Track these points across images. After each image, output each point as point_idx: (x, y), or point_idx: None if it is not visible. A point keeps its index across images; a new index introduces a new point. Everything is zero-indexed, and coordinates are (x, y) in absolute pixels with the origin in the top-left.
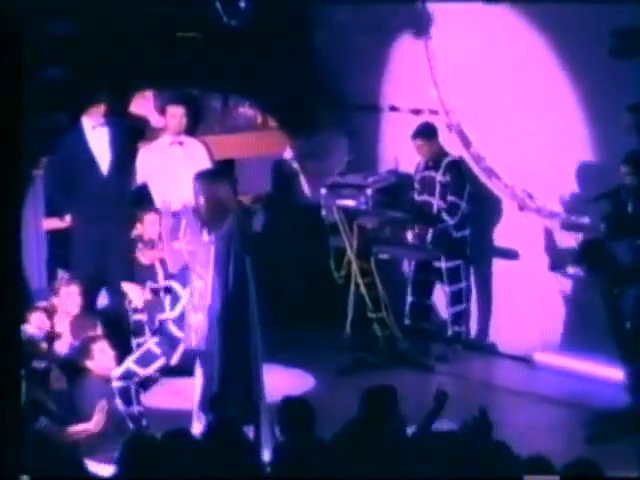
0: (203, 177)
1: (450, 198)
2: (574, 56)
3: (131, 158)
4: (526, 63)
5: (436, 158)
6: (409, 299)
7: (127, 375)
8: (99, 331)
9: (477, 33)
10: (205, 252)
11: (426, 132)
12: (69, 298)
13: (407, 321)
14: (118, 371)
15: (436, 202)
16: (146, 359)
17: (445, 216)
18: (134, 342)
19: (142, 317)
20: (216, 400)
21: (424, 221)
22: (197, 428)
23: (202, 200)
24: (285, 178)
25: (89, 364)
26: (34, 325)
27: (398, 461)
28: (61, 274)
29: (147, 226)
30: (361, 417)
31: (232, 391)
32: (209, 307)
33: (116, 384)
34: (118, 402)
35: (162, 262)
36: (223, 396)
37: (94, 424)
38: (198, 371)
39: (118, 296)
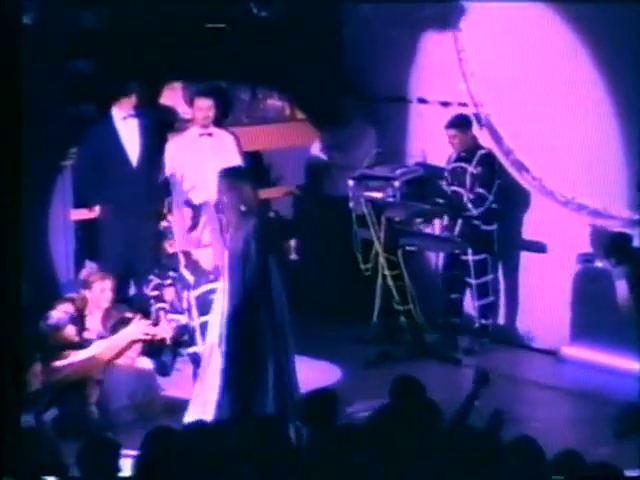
0: (227, 175)
1: (478, 190)
2: (605, 50)
3: (160, 149)
4: (556, 56)
5: (469, 150)
6: (443, 296)
7: None
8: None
9: (506, 25)
10: (221, 251)
11: (460, 123)
12: (102, 292)
13: (440, 317)
14: None
15: (466, 193)
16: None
17: (470, 206)
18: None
19: (164, 305)
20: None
21: (451, 212)
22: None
23: (224, 197)
24: (314, 170)
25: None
26: (60, 310)
27: (428, 452)
28: (89, 265)
29: (177, 218)
30: (391, 405)
31: (262, 383)
32: (227, 306)
33: None
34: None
35: (185, 252)
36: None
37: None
38: (214, 365)
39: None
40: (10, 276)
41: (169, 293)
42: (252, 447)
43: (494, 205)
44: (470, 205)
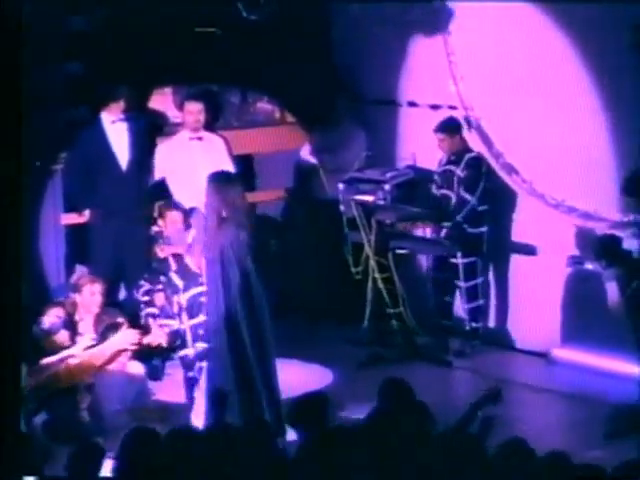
0: (211, 179)
1: (461, 193)
2: (595, 52)
3: (149, 153)
4: (546, 58)
5: (458, 153)
6: (432, 298)
7: None
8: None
9: (496, 28)
10: (199, 256)
11: (450, 126)
12: (92, 296)
13: (432, 319)
14: None
15: (454, 196)
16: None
17: (452, 211)
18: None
19: (154, 311)
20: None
21: (440, 215)
22: (197, 422)
23: (208, 202)
24: (304, 173)
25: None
26: (52, 315)
27: (418, 454)
28: (79, 269)
29: (168, 223)
30: (379, 409)
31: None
32: (210, 309)
33: None
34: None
35: (175, 256)
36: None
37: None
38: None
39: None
40: (9, 277)
41: (159, 298)
42: (240, 453)
43: (481, 208)
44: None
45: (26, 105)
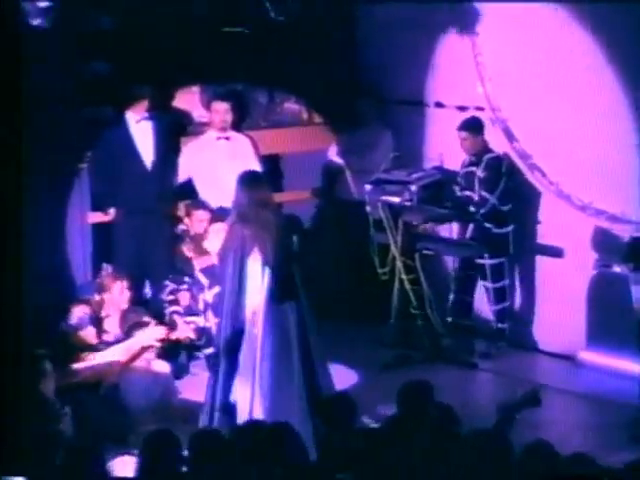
0: (245, 179)
1: (481, 193)
2: (622, 54)
3: (174, 152)
4: (573, 60)
5: (479, 154)
6: (451, 295)
7: None
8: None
9: (524, 29)
10: (233, 258)
11: (473, 126)
12: (121, 294)
13: (449, 318)
14: None
15: (476, 197)
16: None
17: (472, 209)
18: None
19: (179, 309)
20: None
21: (462, 217)
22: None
23: (242, 201)
24: (331, 174)
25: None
26: (79, 311)
27: (439, 457)
28: (107, 268)
29: (195, 222)
30: (398, 414)
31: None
32: (230, 310)
33: None
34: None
35: (201, 255)
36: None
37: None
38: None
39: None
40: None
41: (184, 298)
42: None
43: (505, 207)
44: (472, 208)
45: (26, 106)
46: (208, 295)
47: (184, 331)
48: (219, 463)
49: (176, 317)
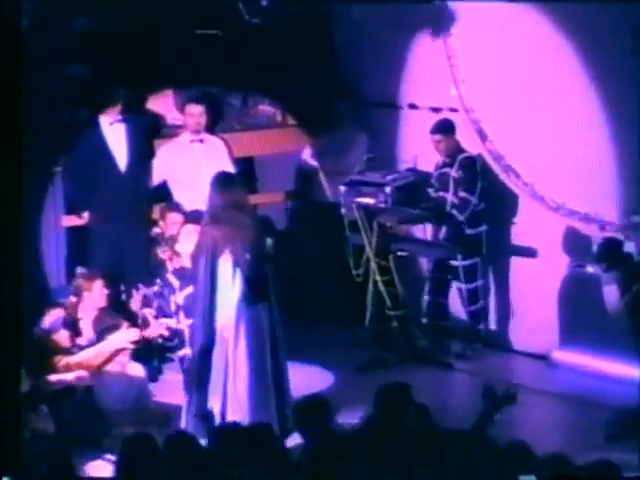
0: (218, 181)
1: (461, 194)
2: (595, 55)
3: (148, 155)
4: (547, 61)
5: (452, 154)
6: (426, 297)
7: None
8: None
9: (497, 31)
10: (205, 259)
11: (444, 128)
12: (100, 292)
13: (424, 319)
14: None
15: (450, 198)
16: None
17: (455, 212)
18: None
19: (151, 311)
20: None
21: (437, 218)
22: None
23: (215, 203)
24: (305, 176)
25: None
26: (53, 315)
27: (416, 457)
28: (81, 271)
29: (169, 224)
30: (375, 415)
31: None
32: (199, 309)
33: None
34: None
35: (173, 257)
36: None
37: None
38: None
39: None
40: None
41: (156, 300)
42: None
43: (480, 207)
44: (455, 211)
45: (27, 106)
46: (179, 297)
47: (156, 329)
48: (196, 466)
49: (149, 316)
